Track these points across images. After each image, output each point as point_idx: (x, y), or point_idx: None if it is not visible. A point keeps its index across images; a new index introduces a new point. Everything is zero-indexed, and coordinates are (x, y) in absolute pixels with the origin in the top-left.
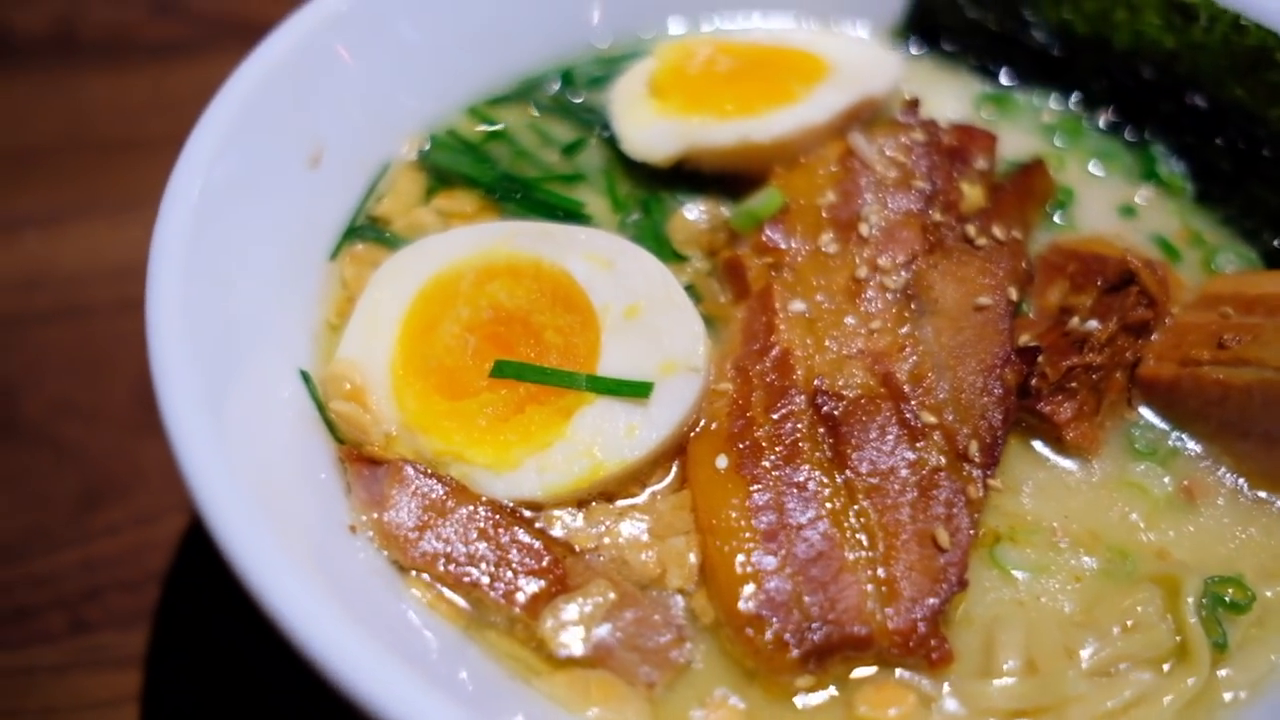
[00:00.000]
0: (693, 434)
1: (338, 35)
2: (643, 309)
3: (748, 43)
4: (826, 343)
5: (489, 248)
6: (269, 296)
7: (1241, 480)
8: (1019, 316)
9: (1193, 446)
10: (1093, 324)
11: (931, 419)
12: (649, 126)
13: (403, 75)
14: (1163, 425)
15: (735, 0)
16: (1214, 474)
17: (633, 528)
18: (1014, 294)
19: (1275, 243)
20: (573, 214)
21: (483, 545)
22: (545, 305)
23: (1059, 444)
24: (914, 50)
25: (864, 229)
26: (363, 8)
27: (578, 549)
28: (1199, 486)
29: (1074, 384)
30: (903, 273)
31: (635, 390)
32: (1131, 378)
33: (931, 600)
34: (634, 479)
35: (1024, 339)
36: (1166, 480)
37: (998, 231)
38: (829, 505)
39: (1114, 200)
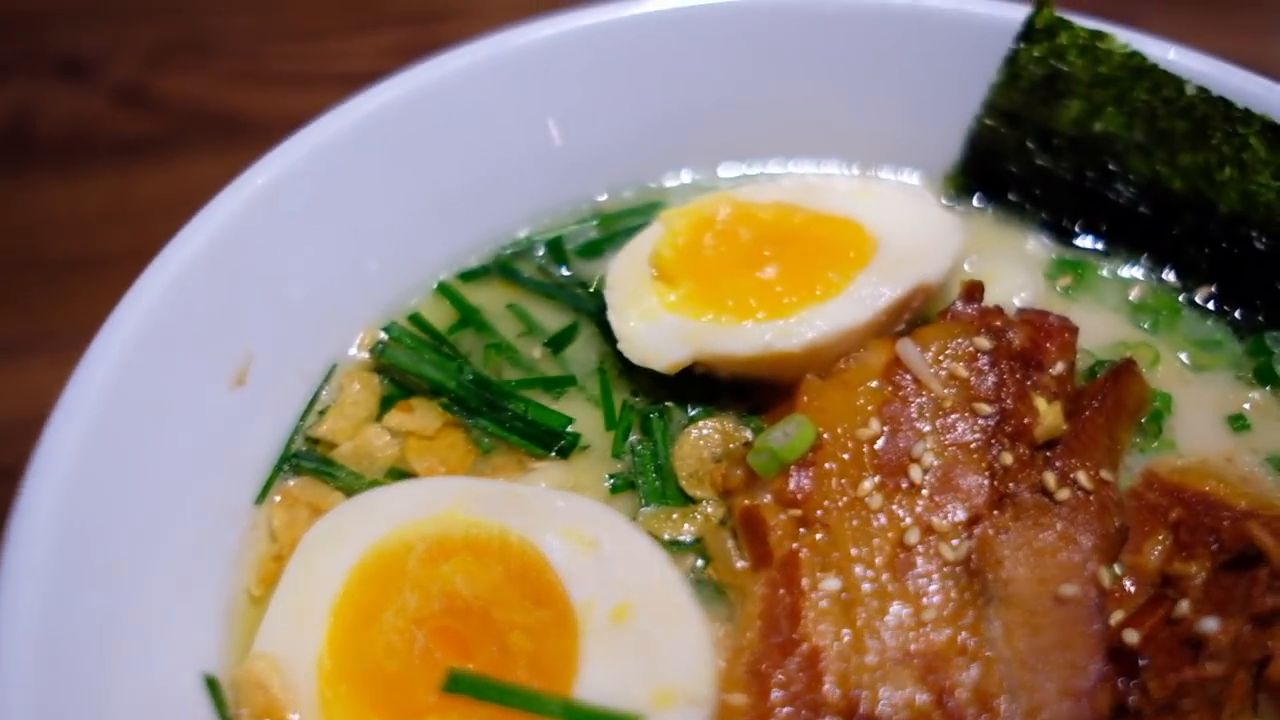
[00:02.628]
0: None
1: (273, 211)
2: (633, 611)
3: (776, 205)
4: (867, 638)
5: (443, 511)
6: (169, 565)
7: None
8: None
9: None
10: (1210, 623)
11: None
12: (653, 324)
13: (354, 252)
14: None
15: (758, 145)
16: None
17: None
18: (1106, 577)
19: None
20: (556, 434)
21: None
22: (512, 596)
23: None
24: (975, 203)
25: (915, 473)
26: (302, 174)
27: None
28: None
29: (1187, 700)
30: (964, 538)
31: None
32: (1257, 679)
33: None
34: None
35: (1115, 618)
36: None
37: (1082, 477)
38: None
39: (1220, 407)
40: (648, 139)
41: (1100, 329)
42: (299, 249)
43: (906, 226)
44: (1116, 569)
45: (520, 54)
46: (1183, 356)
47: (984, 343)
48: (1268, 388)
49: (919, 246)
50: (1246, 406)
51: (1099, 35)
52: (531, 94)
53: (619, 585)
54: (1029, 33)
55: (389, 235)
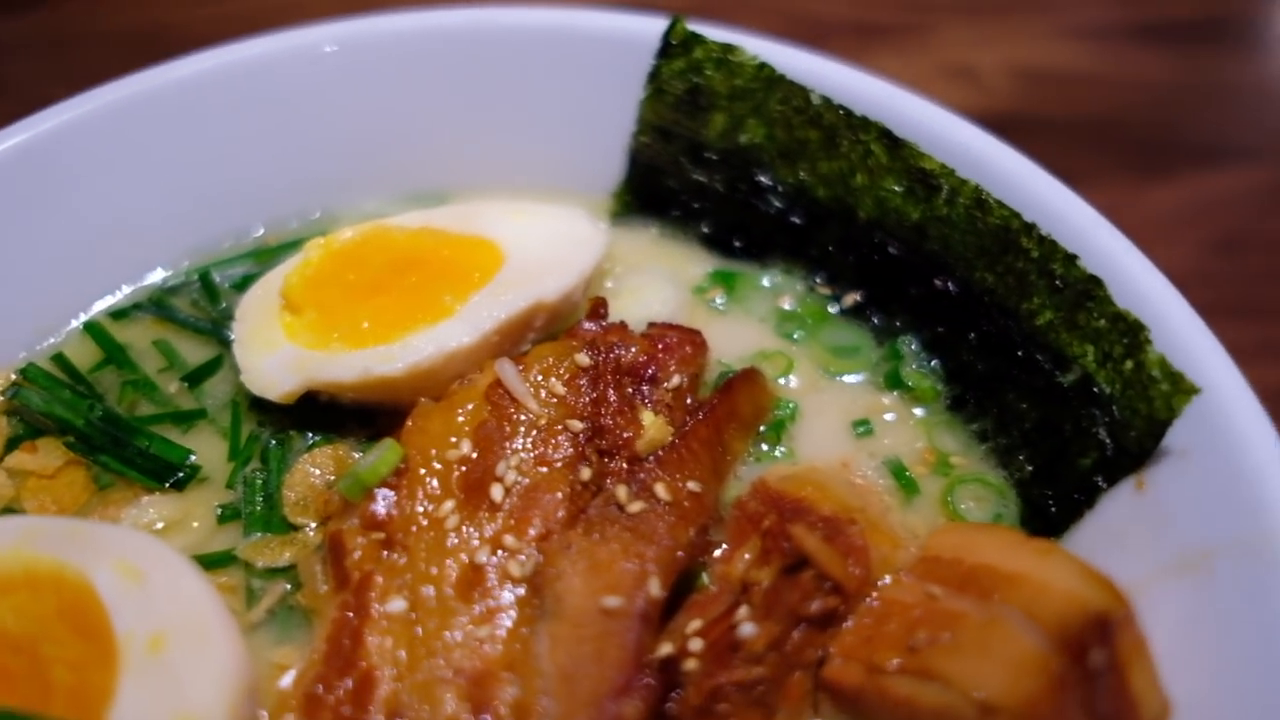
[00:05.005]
0: None
1: None
2: (168, 641)
3: (419, 230)
4: (423, 658)
5: (7, 550)
6: None
7: None
8: (697, 592)
9: None
10: (748, 628)
11: None
12: (273, 355)
13: None
14: None
15: (423, 172)
16: None
17: None
18: (656, 587)
19: (1030, 467)
20: (175, 467)
21: None
22: (61, 632)
23: None
24: (639, 220)
25: (496, 492)
26: None
27: None
28: None
29: (724, 704)
30: (532, 555)
31: None
32: (817, 679)
33: None
34: None
35: (693, 626)
36: None
37: (661, 489)
38: None
39: (848, 413)
40: (309, 171)
41: (746, 339)
42: None
43: (539, 246)
44: (705, 578)
45: (169, 90)
46: (821, 364)
47: (584, 359)
48: (896, 393)
49: (543, 265)
50: (875, 411)
51: (730, 48)
52: (184, 130)
53: (159, 616)
54: (667, 47)
55: (26, 278)
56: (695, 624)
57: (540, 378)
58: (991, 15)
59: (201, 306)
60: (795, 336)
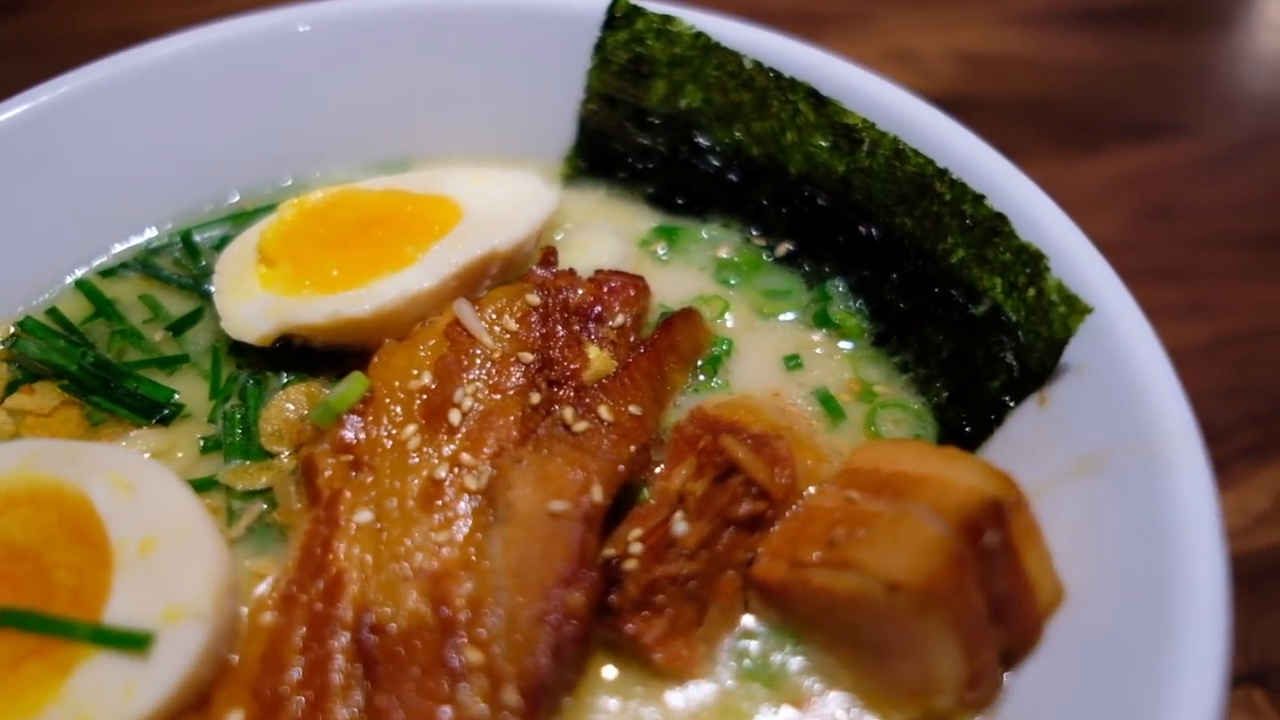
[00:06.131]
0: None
1: None
2: (157, 543)
3: (384, 190)
4: (387, 561)
5: (11, 471)
6: None
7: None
8: (639, 505)
9: (811, 661)
10: (680, 527)
11: (476, 657)
12: (250, 302)
13: None
14: (780, 636)
15: (391, 143)
16: (824, 697)
17: None
18: (599, 494)
19: (946, 393)
20: (160, 405)
21: None
22: (61, 539)
23: (652, 667)
24: (586, 180)
25: (454, 416)
26: None
27: None
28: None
29: (661, 597)
30: (486, 469)
31: (132, 642)
32: (746, 578)
33: None
34: None
35: (635, 534)
36: (773, 712)
37: (604, 410)
38: None
39: (780, 349)
40: (283, 141)
41: (686, 285)
42: None
43: (495, 203)
44: (645, 494)
45: (155, 67)
46: (755, 306)
47: (534, 299)
48: (824, 330)
49: (498, 219)
50: (804, 348)
51: (669, 19)
52: (168, 104)
53: (148, 522)
54: (611, 20)
55: (23, 239)
56: (636, 532)
57: (494, 316)
58: (934, 3)
59: (184, 265)
60: (732, 282)
